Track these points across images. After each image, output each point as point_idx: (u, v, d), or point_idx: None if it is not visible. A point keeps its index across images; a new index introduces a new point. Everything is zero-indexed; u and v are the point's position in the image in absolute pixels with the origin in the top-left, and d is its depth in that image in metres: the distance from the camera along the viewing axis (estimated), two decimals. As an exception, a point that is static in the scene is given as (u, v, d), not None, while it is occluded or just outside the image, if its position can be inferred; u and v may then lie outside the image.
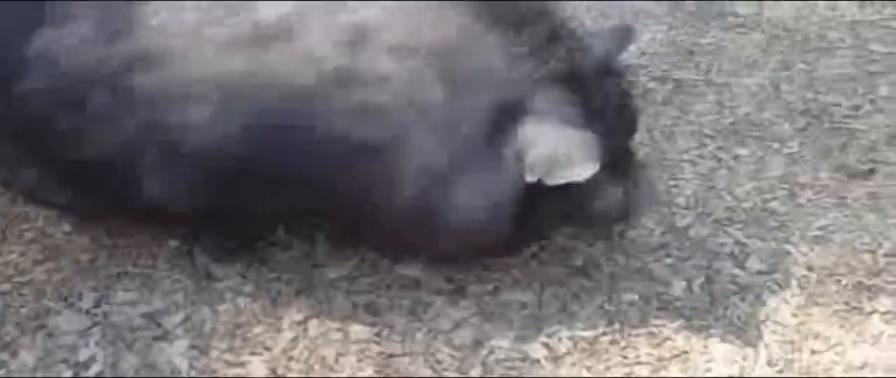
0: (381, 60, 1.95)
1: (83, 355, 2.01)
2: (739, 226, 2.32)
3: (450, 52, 1.98)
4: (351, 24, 1.97)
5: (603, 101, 2.03)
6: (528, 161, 1.95)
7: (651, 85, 2.77)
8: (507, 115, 1.97)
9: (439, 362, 2.03)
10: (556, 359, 2.04)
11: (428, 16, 2.00)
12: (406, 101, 1.95)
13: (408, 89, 1.95)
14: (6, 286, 2.12)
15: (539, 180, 1.94)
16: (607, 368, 2.02)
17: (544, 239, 2.23)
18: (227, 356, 2.02)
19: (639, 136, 2.50)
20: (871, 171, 2.48)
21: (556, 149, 1.95)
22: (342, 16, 1.98)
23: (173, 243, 2.22)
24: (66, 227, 2.23)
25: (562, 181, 1.94)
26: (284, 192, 2.06)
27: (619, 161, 2.06)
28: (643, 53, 2.88)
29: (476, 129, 1.97)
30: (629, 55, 2.73)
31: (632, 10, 3.07)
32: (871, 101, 2.71)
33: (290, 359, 2.02)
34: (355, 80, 1.95)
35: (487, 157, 1.97)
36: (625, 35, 2.16)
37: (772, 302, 2.14)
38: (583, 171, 1.93)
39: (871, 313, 2.12)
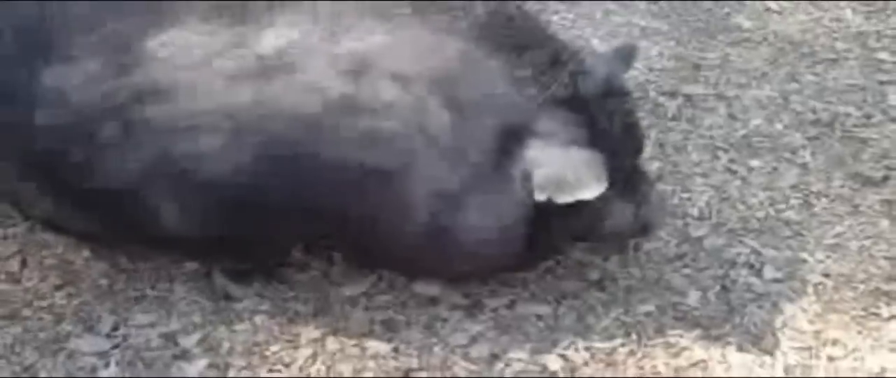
0: (384, 88, 1.97)
1: (103, 376, 2.02)
2: (754, 235, 2.33)
3: (453, 77, 1.99)
4: (352, 52, 1.99)
5: (608, 121, 2.05)
6: (536, 181, 1.97)
7: (661, 100, 2.78)
8: (513, 138, 1.99)
9: (457, 377, 2.03)
10: (573, 371, 2.04)
11: (429, 43, 2.02)
12: (412, 127, 1.97)
13: (413, 115, 1.97)
14: (27, 311, 2.13)
15: (549, 200, 1.96)
16: (625, 379, 2.03)
17: (557, 256, 2.24)
18: (246, 374, 2.02)
19: (651, 151, 2.54)
20: (885, 179, 2.48)
21: (563, 169, 1.97)
22: (343, 45, 1.99)
23: (190, 266, 2.23)
24: (85, 253, 2.24)
25: (570, 200, 1.95)
26: (296, 220, 2.09)
27: (628, 179, 2.08)
28: (651, 69, 2.89)
29: (483, 151, 1.99)
30: (638, 72, 2.77)
31: (639, 28, 3.09)
32: (882, 110, 2.72)
33: (308, 376, 2.02)
34: (360, 107, 1.97)
35: (496, 179, 1.99)
36: (627, 55, 2.18)
37: (788, 310, 2.15)
38: (590, 190, 1.95)
39: (888, 319, 2.13)
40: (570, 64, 2.07)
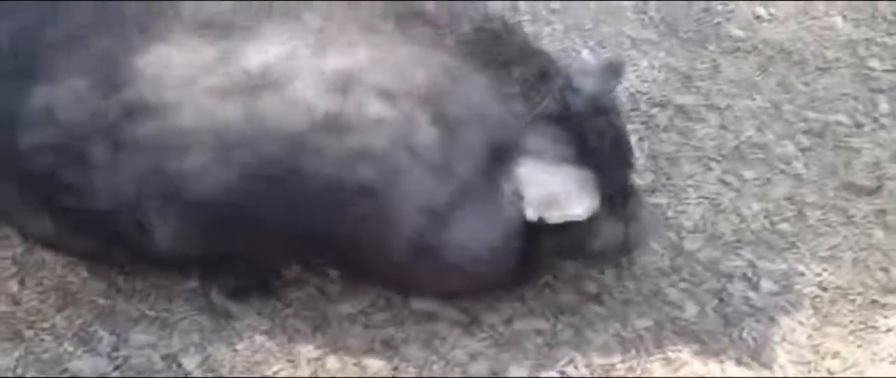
0: (371, 104, 1.97)
1: (104, 398, 2.03)
2: (750, 247, 2.34)
3: (440, 94, 2.00)
4: (338, 69, 1.99)
5: (597, 138, 2.05)
6: (528, 200, 1.97)
7: (652, 111, 2.79)
8: (503, 155, 1.99)
9: (458, 394, 2.04)
10: (573, 387, 2.06)
11: (416, 58, 2.02)
12: (399, 143, 1.97)
13: (400, 132, 1.97)
14: (28, 332, 2.13)
15: (539, 219, 1.96)
16: (625, 394, 2.04)
17: (547, 274, 2.25)
18: (248, 395, 2.03)
19: (643, 163, 2.54)
20: (878, 188, 2.50)
21: (554, 187, 1.97)
22: (329, 61, 1.99)
23: (189, 285, 2.23)
24: (83, 273, 2.24)
25: (561, 219, 1.96)
26: (285, 237, 2.10)
27: (617, 197, 2.08)
28: (643, 80, 2.90)
29: (472, 168, 1.99)
30: (628, 83, 2.78)
31: (629, 38, 3.10)
32: (874, 119, 2.73)
33: (311, 396, 2.03)
34: (346, 124, 1.97)
35: (485, 197, 2.00)
36: (615, 70, 2.18)
37: (786, 323, 2.16)
38: (582, 209, 1.96)
39: (886, 331, 2.14)
40: (559, 79, 2.08)
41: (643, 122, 2.74)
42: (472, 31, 2.07)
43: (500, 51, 2.07)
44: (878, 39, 3.03)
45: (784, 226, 2.40)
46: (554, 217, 1.97)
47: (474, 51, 2.05)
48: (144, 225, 2.06)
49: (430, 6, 2.09)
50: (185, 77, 1.99)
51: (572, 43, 3.09)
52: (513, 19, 3.16)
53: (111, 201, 2.05)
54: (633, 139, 2.57)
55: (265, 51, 2.00)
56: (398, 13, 2.06)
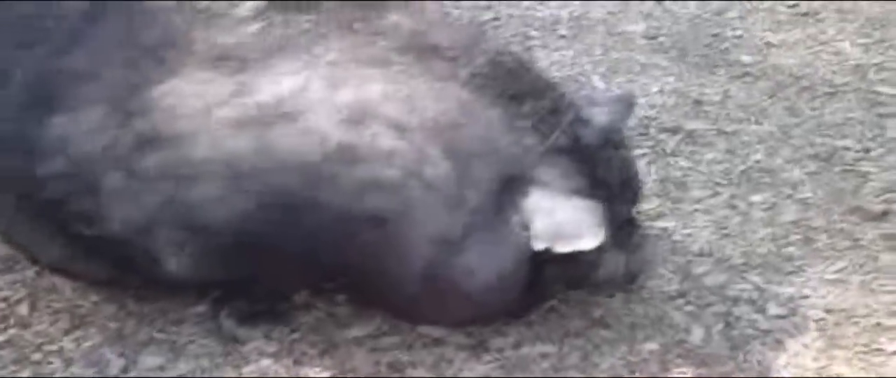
0: (383, 136, 1.99)
1: (113, 420, 2.04)
2: (757, 272, 2.34)
3: (452, 126, 2.02)
4: (351, 101, 2.01)
5: (606, 171, 2.08)
6: (535, 231, 1.99)
7: (661, 136, 2.80)
8: (513, 187, 2.02)
9: (464, 417, 2.05)
10: (580, 411, 2.06)
11: (429, 91, 2.04)
12: (411, 175, 1.99)
13: (412, 164, 1.99)
14: (37, 355, 2.15)
15: (546, 249, 1.98)
16: (632, 418, 2.05)
17: (550, 302, 2.26)
18: (256, 418, 2.04)
19: (652, 188, 2.56)
20: (885, 213, 2.50)
21: (563, 219, 1.99)
22: (341, 94, 2.01)
23: (198, 309, 2.24)
24: (94, 297, 2.26)
25: (569, 250, 1.98)
26: (297, 266, 2.13)
27: (623, 228, 2.11)
28: (652, 106, 2.91)
29: (482, 200, 2.01)
30: (639, 108, 2.79)
31: (639, 64, 3.12)
32: (881, 144, 2.74)
33: (318, 419, 2.04)
34: (359, 156, 1.99)
35: (495, 227, 2.02)
36: (626, 104, 2.22)
37: (792, 346, 2.16)
38: (589, 240, 1.98)
39: (892, 354, 2.14)
40: (570, 113, 2.11)
41: (652, 147, 2.75)
42: (486, 64, 2.10)
43: (512, 85, 2.09)
44: (887, 64, 3.04)
45: (791, 250, 2.41)
46: (561, 248, 2.00)
47: (487, 84, 2.07)
48: (156, 252, 2.08)
49: (444, 40, 2.11)
50: (199, 108, 2.02)
51: (582, 69, 3.11)
52: (525, 46, 3.21)
53: (123, 229, 2.07)
54: (642, 163, 2.60)
55: (279, 83, 2.02)
56: (412, 47, 2.09)
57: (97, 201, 2.06)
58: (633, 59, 3.13)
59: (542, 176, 2.04)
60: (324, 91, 2.01)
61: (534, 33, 3.31)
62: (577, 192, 2.04)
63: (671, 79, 3.04)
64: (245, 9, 2.12)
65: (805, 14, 3.32)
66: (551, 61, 3.13)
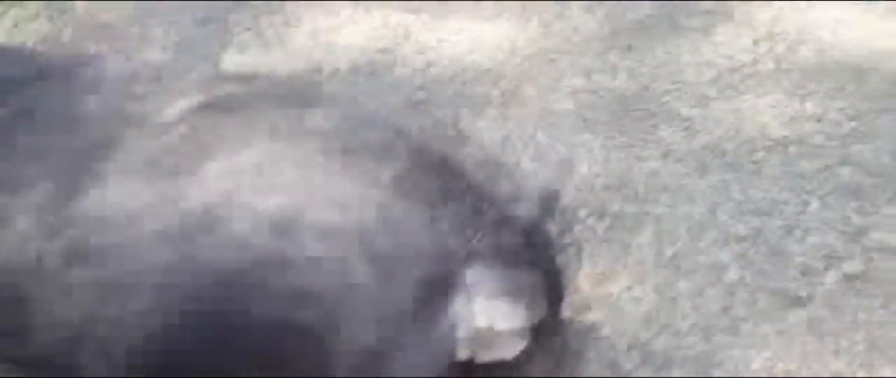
0: (308, 243, 2.00)
1: None
2: (682, 368, 2.36)
3: (375, 231, 2.03)
4: (275, 208, 2.01)
5: (530, 271, 2.09)
6: (459, 339, 2.00)
7: (589, 221, 2.82)
8: (437, 291, 2.02)
9: None
10: None
11: (351, 196, 2.05)
12: (335, 282, 1.99)
13: (336, 270, 1.99)
14: None
15: (470, 357, 2.00)
16: None
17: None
18: None
19: (582, 276, 2.57)
20: (808, 297, 2.53)
21: (485, 325, 2.01)
22: (266, 200, 2.02)
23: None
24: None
25: (491, 359, 1.99)
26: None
27: (546, 329, 2.12)
28: (579, 189, 2.93)
29: (407, 306, 2.02)
30: (567, 191, 2.81)
31: (568, 145, 3.13)
32: (804, 222, 2.77)
33: None
34: (284, 263, 1.99)
35: (420, 334, 2.03)
36: (550, 200, 2.23)
37: (717, 442, 2.19)
38: (512, 348, 1.99)
39: (818, 448, 2.17)
40: (493, 214, 2.12)
41: (580, 233, 2.77)
42: (408, 165, 2.11)
43: (435, 185, 2.11)
44: (807, 138, 3.08)
45: (717, 340, 2.43)
46: (483, 355, 2.01)
47: (410, 185, 2.08)
48: (82, 367, 2.07)
49: (367, 140, 2.13)
50: (126, 219, 2.02)
51: (513, 150, 3.12)
52: (455, 126, 3.22)
53: (50, 347, 2.06)
54: (572, 253, 2.62)
55: (205, 188, 2.02)
56: (335, 149, 2.10)
57: (24, 319, 2.05)
58: (562, 141, 3.14)
59: (466, 279, 2.06)
60: (246, 198, 2.02)
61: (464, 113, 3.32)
62: (501, 295, 2.06)
63: (600, 159, 3.06)
64: (171, 113, 2.13)
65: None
66: (480, 146, 3.14)
